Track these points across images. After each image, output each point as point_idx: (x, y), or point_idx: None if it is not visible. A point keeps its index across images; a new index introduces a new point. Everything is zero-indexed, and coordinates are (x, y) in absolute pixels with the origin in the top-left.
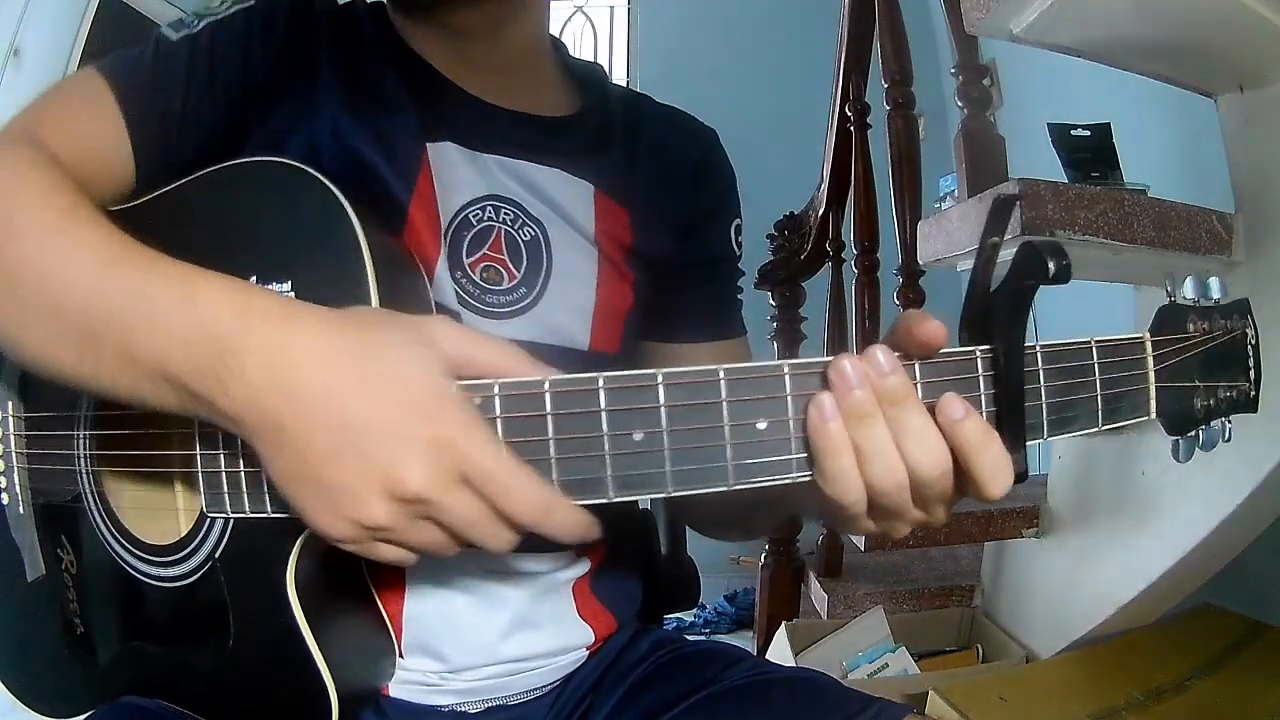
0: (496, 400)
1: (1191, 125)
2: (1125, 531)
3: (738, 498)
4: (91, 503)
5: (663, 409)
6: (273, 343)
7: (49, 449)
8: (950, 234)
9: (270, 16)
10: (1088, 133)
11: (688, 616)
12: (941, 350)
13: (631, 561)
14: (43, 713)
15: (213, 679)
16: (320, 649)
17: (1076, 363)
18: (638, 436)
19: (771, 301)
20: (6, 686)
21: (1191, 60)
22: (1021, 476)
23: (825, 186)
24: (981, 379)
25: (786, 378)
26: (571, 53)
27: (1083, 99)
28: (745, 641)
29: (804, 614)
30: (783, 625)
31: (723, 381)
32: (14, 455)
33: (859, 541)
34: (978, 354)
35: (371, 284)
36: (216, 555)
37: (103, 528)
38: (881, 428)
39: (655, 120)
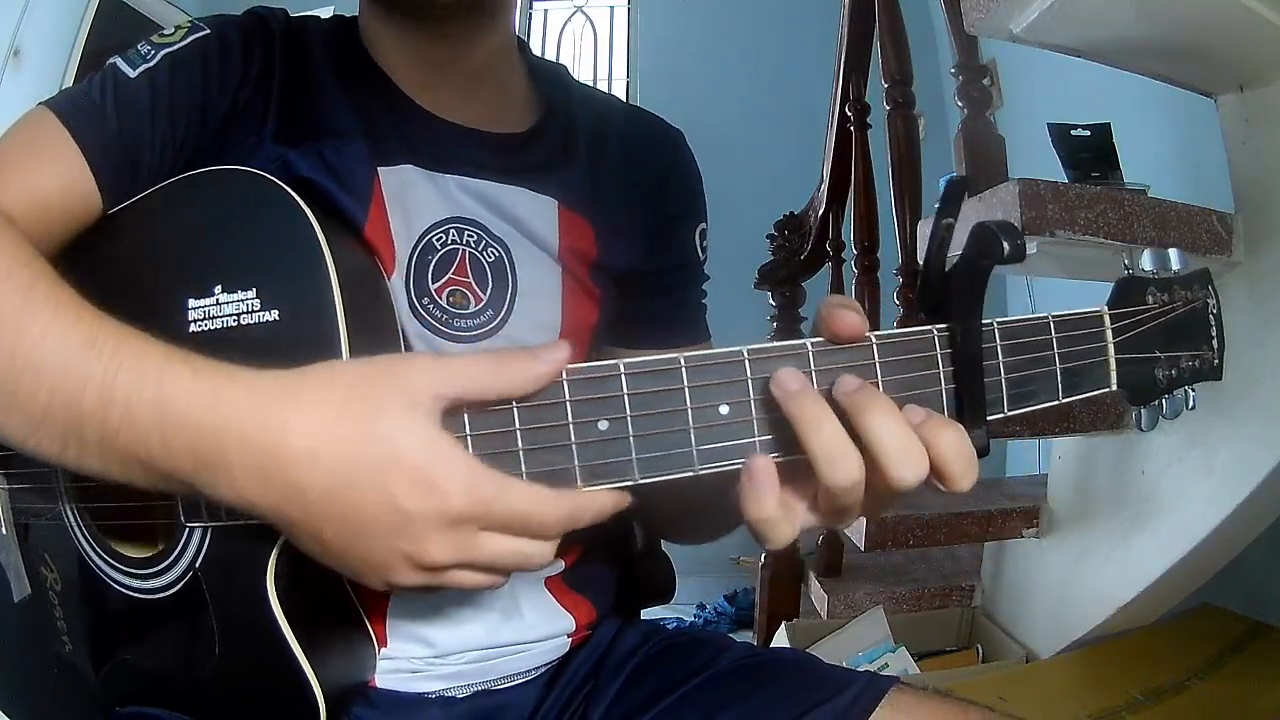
0: None
1: (1191, 125)
2: (1125, 531)
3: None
4: (71, 519)
5: (626, 397)
6: (255, 446)
7: (26, 467)
8: None
9: (225, 45)
10: (1088, 133)
11: (688, 616)
12: (901, 330)
13: (608, 556)
14: None
15: (204, 686)
16: (304, 649)
17: (1034, 338)
18: (603, 426)
19: (771, 301)
20: (3, 710)
21: (1191, 60)
22: (983, 451)
23: (825, 186)
24: (940, 357)
25: (746, 362)
26: (575, 56)
27: (1083, 99)
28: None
29: (804, 614)
30: (783, 625)
31: (684, 369)
32: None
33: (859, 541)
34: (935, 333)
35: (335, 290)
36: (197, 565)
37: (84, 543)
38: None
39: (621, 124)
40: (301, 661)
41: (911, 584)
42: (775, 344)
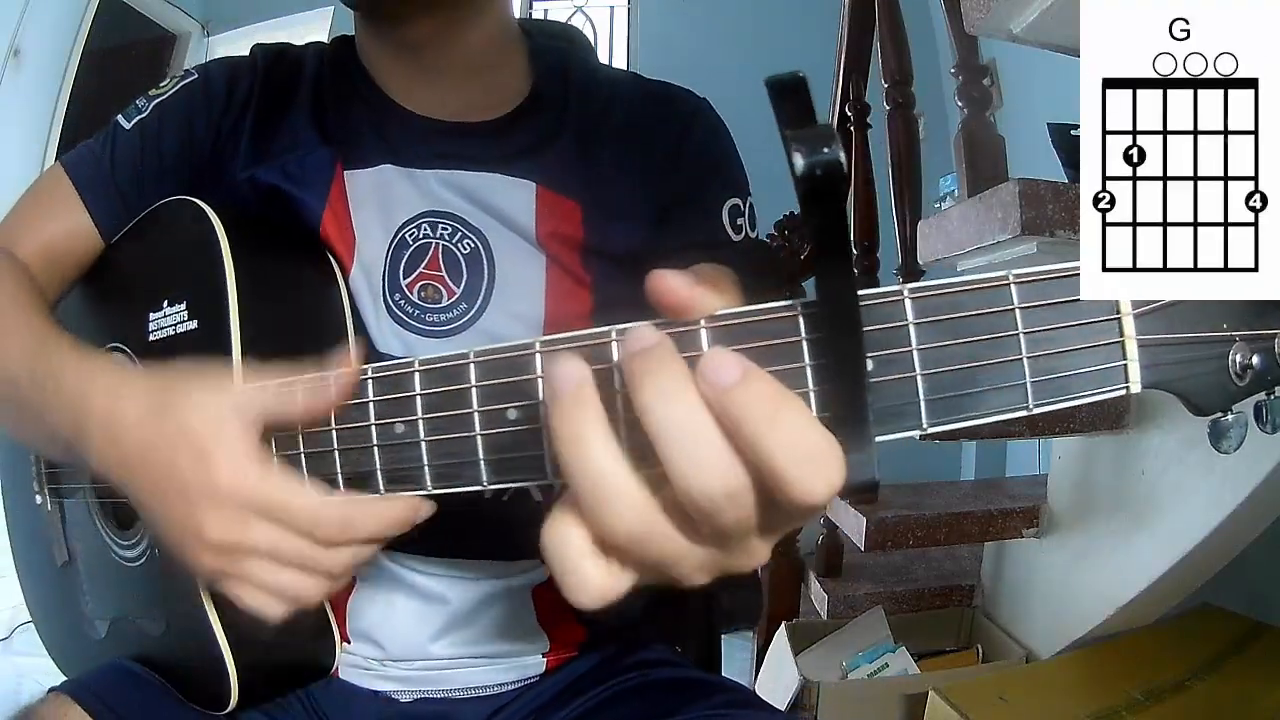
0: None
1: None
2: (1125, 531)
3: None
4: (88, 494)
5: (418, 398)
6: (105, 418)
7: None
8: (950, 234)
9: (209, 84)
10: None
11: None
12: (747, 308)
13: None
14: None
15: (161, 648)
16: (225, 626)
17: (981, 311)
18: (399, 429)
19: None
20: (52, 658)
21: None
22: (870, 486)
23: None
24: (806, 345)
25: (537, 356)
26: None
27: None
28: (745, 641)
29: (804, 614)
30: (783, 625)
31: (472, 365)
32: (36, 458)
33: (859, 541)
34: (800, 310)
35: (232, 301)
36: (151, 536)
37: (96, 515)
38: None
39: (627, 99)
40: (219, 636)
41: (911, 584)
42: (575, 333)
